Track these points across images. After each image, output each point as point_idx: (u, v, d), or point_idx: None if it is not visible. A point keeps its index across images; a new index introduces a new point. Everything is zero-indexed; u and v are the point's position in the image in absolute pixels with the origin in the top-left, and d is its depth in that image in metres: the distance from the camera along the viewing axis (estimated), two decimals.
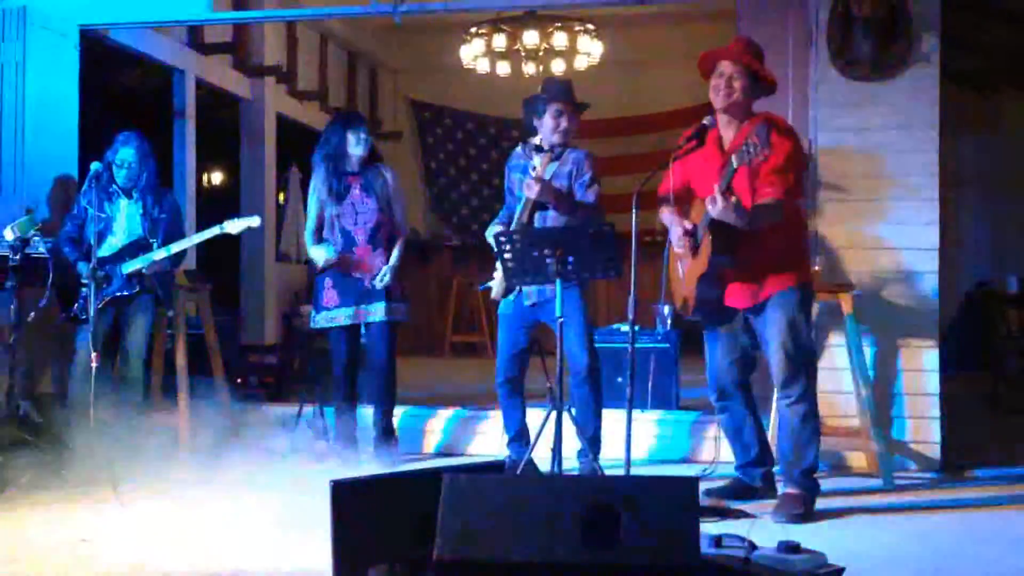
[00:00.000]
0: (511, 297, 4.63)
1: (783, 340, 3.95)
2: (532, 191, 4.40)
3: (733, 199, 3.70)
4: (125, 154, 4.99)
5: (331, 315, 4.95)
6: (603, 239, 3.99)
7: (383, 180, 4.99)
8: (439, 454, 5.35)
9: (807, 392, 3.99)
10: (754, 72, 3.97)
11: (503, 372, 4.69)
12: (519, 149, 4.73)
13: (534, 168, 4.44)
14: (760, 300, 4.01)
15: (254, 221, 4.98)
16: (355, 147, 4.91)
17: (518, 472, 3.96)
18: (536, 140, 4.58)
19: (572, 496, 2.57)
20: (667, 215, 4.15)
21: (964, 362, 7.18)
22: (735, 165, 3.72)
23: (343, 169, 4.94)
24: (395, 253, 4.95)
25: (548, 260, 3.97)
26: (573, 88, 4.62)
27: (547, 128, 4.55)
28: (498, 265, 4.57)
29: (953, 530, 3.83)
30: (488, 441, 5.22)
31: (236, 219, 4.95)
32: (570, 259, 3.97)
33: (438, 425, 5.45)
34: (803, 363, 3.98)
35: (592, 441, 4.42)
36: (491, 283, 4.68)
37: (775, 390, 4.16)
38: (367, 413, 5.13)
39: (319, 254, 4.92)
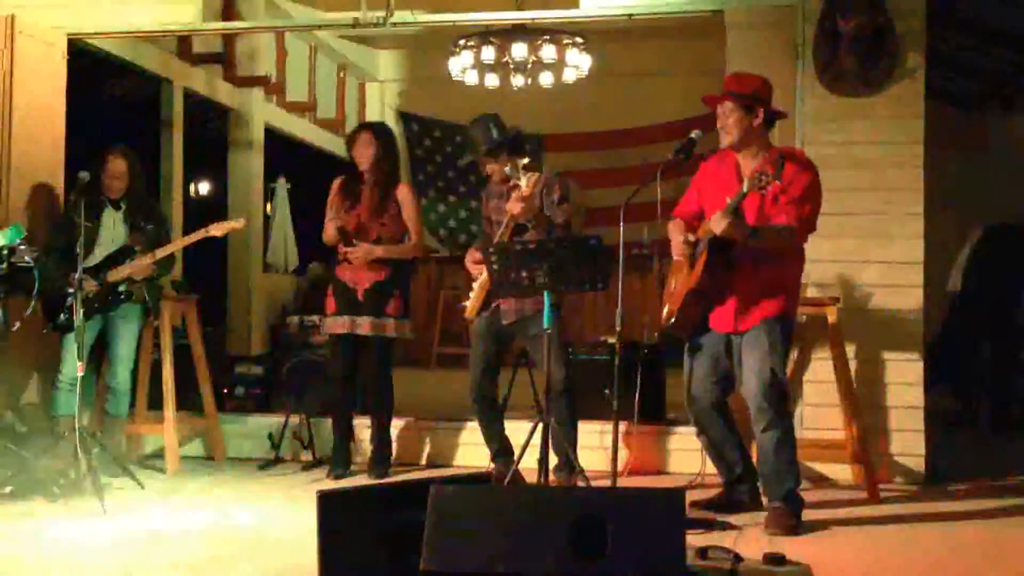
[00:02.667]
0: (485, 314, 4.66)
1: (759, 369, 3.98)
2: (517, 208, 4.44)
3: (734, 218, 3.77)
4: (116, 166, 4.99)
5: (328, 322, 5.02)
6: (591, 252, 4.01)
7: (394, 194, 5.03)
8: (425, 466, 5.35)
9: (781, 419, 4.01)
10: (746, 103, 4.02)
11: (477, 389, 4.71)
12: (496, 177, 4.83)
13: (517, 188, 4.46)
14: (744, 327, 4.04)
15: (239, 223, 5.00)
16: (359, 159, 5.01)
17: (504, 484, 3.96)
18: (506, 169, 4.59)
19: (559, 508, 2.57)
20: (673, 225, 4.21)
21: (948, 376, 7.21)
22: (745, 190, 3.79)
23: (355, 186, 5.03)
24: (387, 248, 4.97)
25: (537, 273, 4.00)
26: (488, 134, 4.65)
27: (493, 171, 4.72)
28: (474, 286, 4.63)
29: (937, 542, 3.85)
30: (474, 453, 5.22)
31: (221, 222, 4.97)
32: (560, 271, 4.00)
33: (424, 437, 5.45)
34: (777, 391, 4.00)
35: (569, 454, 4.42)
36: (465, 303, 4.73)
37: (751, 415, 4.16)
38: (358, 423, 5.18)
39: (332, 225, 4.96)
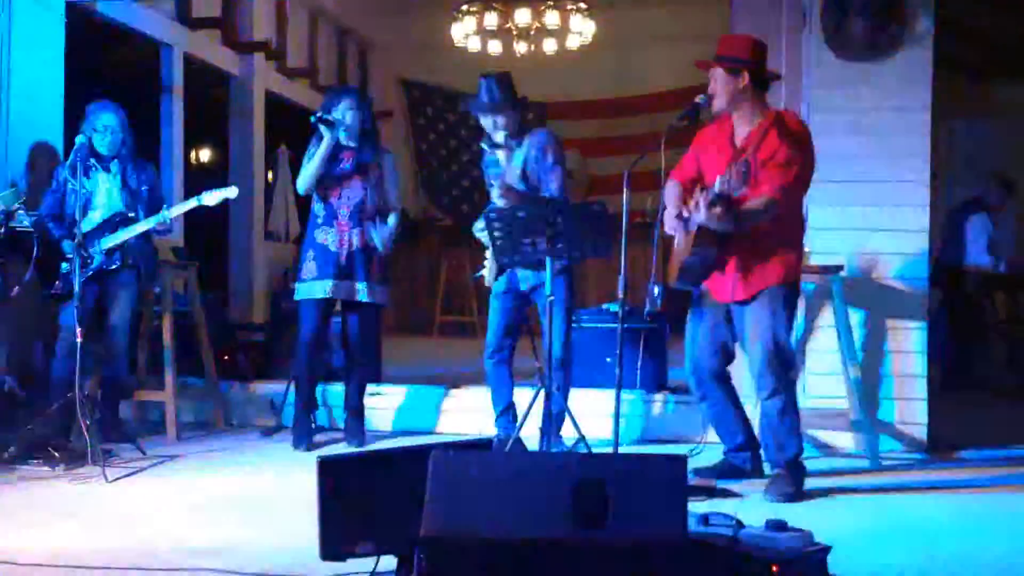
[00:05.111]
0: (504, 276, 4.64)
1: (761, 336, 3.95)
2: (504, 201, 4.44)
3: (717, 210, 3.74)
4: (107, 120, 4.91)
5: (306, 287, 4.88)
6: (594, 219, 3.98)
7: (377, 161, 4.96)
8: (424, 432, 5.35)
9: (783, 387, 3.99)
10: (728, 65, 3.95)
11: (493, 346, 4.70)
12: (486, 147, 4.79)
13: (499, 175, 4.42)
14: (743, 297, 4.00)
15: (231, 192, 4.93)
16: (345, 122, 4.89)
17: (506, 450, 3.95)
18: (497, 138, 4.54)
19: (560, 474, 2.56)
20: (669, 191, 4.15)
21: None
22: (716, 190, 3.76)
23: (337, 139, 4.90)
24: (391, 221, 4.92)
25: (539, 239, 3.97)
26: (502, 85, 4.59)
27: (487, 129, 4.65)
28: (487, 254, 4.60)
29: (939, 510, 3.85)
30: (476, 420, 5.21)
31: (214, 190, 4.91)
32: (561, 238, 3.98)
33: (425, 403, 5.45)
34: (780, 359, 3.97)
35: (556, 419, 4.43)
36: (483, 272, 4.71)
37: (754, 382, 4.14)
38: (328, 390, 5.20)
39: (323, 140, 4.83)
